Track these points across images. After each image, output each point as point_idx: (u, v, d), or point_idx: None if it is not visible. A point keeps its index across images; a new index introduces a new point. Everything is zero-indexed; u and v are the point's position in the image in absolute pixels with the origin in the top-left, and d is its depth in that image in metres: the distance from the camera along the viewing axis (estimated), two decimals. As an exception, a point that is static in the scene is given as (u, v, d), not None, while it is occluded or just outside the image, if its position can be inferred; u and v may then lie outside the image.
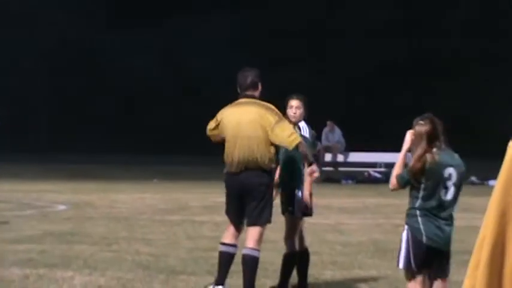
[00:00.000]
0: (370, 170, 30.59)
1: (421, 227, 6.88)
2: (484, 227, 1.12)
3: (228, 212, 8.75)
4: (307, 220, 9.56)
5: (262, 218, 8.56)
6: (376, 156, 31.97)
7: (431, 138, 6.92)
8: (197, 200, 21.12)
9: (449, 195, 6.94)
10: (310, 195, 9.37)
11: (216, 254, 9.18)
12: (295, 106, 9.38)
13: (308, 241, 9.36)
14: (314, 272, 10.23)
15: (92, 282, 9.83)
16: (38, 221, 16.44)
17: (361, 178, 29.83)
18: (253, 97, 8.58)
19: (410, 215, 7.05)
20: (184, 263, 11.00)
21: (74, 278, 10.12)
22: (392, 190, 7.07)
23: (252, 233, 8.60)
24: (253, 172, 8.54)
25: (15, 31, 52.84)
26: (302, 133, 9.23)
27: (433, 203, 6.85)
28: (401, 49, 54.29)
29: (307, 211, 8.94)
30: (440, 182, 6.90)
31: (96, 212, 18.01)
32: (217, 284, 8.72)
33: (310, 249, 9.70)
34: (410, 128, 7.49)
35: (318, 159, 9.26)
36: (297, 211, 8.80)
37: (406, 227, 7.00)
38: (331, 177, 30.03)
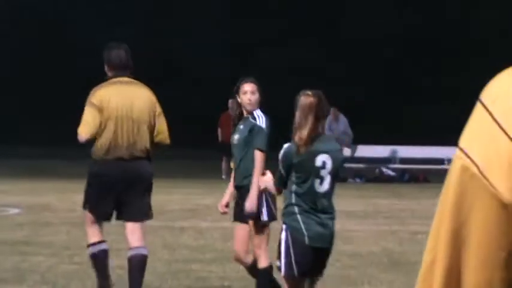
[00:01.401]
0: (383, 166, 30.62)
1: (302, 225, 7.22)
2: (432, 250, 1.09)
3: (96, 207, 9.19)
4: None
5: (149, 213, 9.28)
6: (390, 151, 32.05)
7: (318, 116, 7.38)
8: (176, 202, 21.32)
9: (325, 186, 7.34)
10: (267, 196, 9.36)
11: (199, 267, 9.33)
12: (249, 91, 9.47)
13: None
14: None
15: None
16: None
17: (371, 176, 29.83)
18: (132, 77, 9.33)
19: (288, 213, 7.35)
20: (161, 278, 11.11)
21: None
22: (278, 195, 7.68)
23: (139, 230, 9.20)
24: (144, 161, 9.25)
25: None
26: (257, 123, 9.46)
27: (308, 196, 7.23)
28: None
29: (255, 214, 8.96)
30: (312, 172, 7.29)
31: (55, 217, 18.01)
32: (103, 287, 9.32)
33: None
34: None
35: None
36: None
37: (284, 226, 7.32)
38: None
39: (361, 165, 31.77)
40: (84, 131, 9.11)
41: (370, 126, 40.35)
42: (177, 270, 11.27)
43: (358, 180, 29.99)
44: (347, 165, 32.00)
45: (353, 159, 31.95)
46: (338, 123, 31.54)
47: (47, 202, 20.77)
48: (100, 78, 9.52)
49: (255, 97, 9.51)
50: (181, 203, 21.29)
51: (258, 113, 9.64)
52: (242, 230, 9.35)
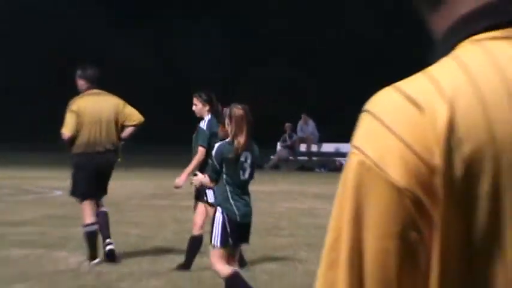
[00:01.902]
0: (341, 159, 31.18)
1: (234, 208, 7.61)
2: (336, 229, 1.01)
3: (87, 193, 9.81)
4: (285, 205, 9.78)
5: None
6: (347, 147, 32.58)
7: (248, 124, 7.67)
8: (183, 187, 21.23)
9: (246, 175, 7.76)
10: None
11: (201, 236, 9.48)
12: (194, 103, 10.25)
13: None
14: (290, 253, 10.36)
15: (85, 261, 10.15)
16: (37, 205, 16.61)
17: (333, 166, 30.18)
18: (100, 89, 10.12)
19: (223, 198, 7.71)
20: (170, 245, 11.15)
21: (69, 258, 10.30)
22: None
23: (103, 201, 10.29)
24: (112, 153, 9.93)
25: None
26: (200, 125, 9.94)
27: (236, 184, 7.64)
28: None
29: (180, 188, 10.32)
30: (238, 165, 7.64)
31: None
32: (94, 258, 9.85)
33: (286, 232, 9.83)
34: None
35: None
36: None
37: (220, 209, 7.65)
38: (305, 166, 30.74)
39: (325, 158, 32.18)
40: (66, 131, 9.63)
41: (335, 126, 40.61)
42: (183, 238, 11.26)
43: (322, 169, 30.47)
44: (314, 158, 32.54)
45: (319, 153, 32.47)
46: (308, 126, 32.13)
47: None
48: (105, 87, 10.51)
49: (196, 107, 10.08)
50: (186, 187, 21.26)
51: (205, 118, 10.04)
52: (200, 207, 9.89)
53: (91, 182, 9.68)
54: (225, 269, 7.73)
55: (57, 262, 10.45)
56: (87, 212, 9.80)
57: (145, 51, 52.36)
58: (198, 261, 9.94)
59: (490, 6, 1.08)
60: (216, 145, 8.05)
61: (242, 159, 7.77)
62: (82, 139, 9.64)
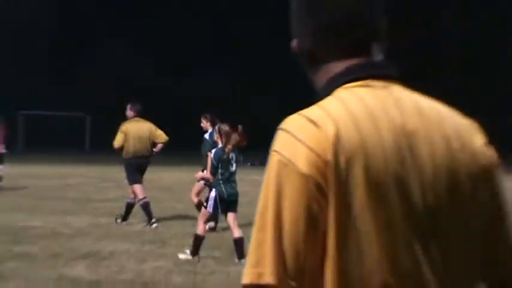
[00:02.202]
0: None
1: (224, 189, 9.67)
2: (264, 204, 1.43)
3: (136, 180, 13.56)
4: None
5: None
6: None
7: (232, 135, 9.84)
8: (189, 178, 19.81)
9: (233, 168, 9.81)
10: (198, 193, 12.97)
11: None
12: (201, 121, 12.99)
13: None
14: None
15: (146, 224, 12.59)
16: (115, 190, 19.43)
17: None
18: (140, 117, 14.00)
19: (216, 183, 9.69)
20: (181, 222, 13.48)
21: (136, 224, 12.96)
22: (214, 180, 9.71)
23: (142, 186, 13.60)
24: (148, 158, 14.10)
25: None
26: (205, 136, 12.75)
27: (227, 174, 9.73)
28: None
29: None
30: (229, 162, 9.72)
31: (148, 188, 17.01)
32: (151, 221, 13.10)
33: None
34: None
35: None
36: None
37: (214, 190, 9.73)
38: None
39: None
40: (115, 144, 13.64)
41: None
42: (190, 216, 13.32)
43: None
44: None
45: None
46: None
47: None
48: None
49: (204, 124, 12.73)
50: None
51: (209, 131, 12.53)
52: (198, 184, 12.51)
53: (137, 174, 13.44)
54: (202, 227, 9.72)
55: (129, 226, 12.78)
56: (138, 191, 13.30)
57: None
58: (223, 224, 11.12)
59: (354, 67, 1.55)
60: (213, 151, 9.94)
61: (230, 157, 9.71)
62: (128, 149, 13.43)
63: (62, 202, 16.84)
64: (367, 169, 1.44)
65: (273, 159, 1.48)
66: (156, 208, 13.58)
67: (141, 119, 13.73)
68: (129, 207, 13.30)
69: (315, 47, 1.63)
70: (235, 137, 9.67)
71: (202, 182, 11.67)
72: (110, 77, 52.59)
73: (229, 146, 9.62)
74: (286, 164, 1.45)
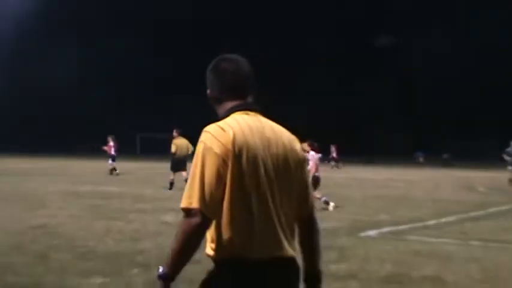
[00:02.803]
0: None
1: None
2: (194, 168, 2.96)
3: (176, 168, 22.77)
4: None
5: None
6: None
7: None
8: None
9: None
10: None
11: None
12: None
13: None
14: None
15: None
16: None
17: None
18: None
19: None
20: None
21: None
22: None
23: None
24: (186, 158, 22.26)
25: None
26: None
27: None
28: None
29: None
30: None
31: None
32: None
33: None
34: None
35: None
36: None
37: None
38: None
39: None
40: (172, 150, 22.85)
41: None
42: None
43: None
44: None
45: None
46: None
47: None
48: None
49: None
50: None
51: None
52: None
53: (178, 166, 22.43)
54: None
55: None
56: (171, 178, 22.42)
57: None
58: None
59: (239, 105, 3.12)
60: None
61: None
62: (178, 153, 22.69)
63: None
64: (248, 153, 2.94)
65: (201, 146, 2.95)
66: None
67: (183, 138, 23.04)
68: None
69: (219, 95, 3.17)
70: None
71: None
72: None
73: None
74: (208, 149, 2.93)
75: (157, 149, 53.70)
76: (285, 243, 2.95)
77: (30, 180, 25.94)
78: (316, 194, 16.00)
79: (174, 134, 22.94)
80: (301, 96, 79.90)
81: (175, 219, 13.39)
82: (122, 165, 34.82)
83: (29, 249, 9.53)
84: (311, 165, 16.21)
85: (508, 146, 28.57)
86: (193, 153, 3.02)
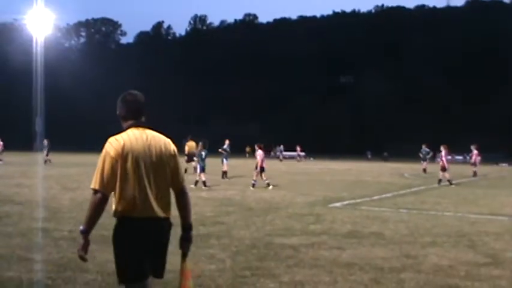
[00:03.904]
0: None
1: (204, 164, 15.06)
2: (100, 163, 3.14)
3: (189, 159, 19.52)
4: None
5: None
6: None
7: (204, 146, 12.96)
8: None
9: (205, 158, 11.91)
10: None
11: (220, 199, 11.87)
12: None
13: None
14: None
15: None
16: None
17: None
18: None
19: (202, 166, 15.10)
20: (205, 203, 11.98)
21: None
22: None
23: None
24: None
25: None
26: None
27: (204, 162, 14.84)
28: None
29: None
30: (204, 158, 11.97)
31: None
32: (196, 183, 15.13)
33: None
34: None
35: None
36: None
37: (198, 165, 13.75)
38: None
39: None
40: (186, 149, 21.12)
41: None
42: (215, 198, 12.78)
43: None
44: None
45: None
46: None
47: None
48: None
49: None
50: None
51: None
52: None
53: (190, 158, 20.57)
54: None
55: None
56: (186, 167, 20.24)
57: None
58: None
59: (133, 123, 3.23)
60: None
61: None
62: (189, 151, 20.97)
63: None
64: (132, 154, 3.13)
65: (104, 151, 3.12)
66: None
67: (192, 141, 21.43)
68: None
69: (124, 115, 3.27)
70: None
71: None
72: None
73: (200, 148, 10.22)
74: (107, 153, 3.12)
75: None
76: (157, 208, 3.12)
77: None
78: (264, 177, 16.15)
79: (188, 138, 21.88)
80: (291, 113, 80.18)
81: (208, 195, 13.36)
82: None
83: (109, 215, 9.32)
84: (258, 159, 16.33)
85: (421, 148, 29.38)
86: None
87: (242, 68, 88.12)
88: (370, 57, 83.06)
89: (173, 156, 3.26)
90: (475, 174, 25.55)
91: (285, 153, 52.19)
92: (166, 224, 3.18)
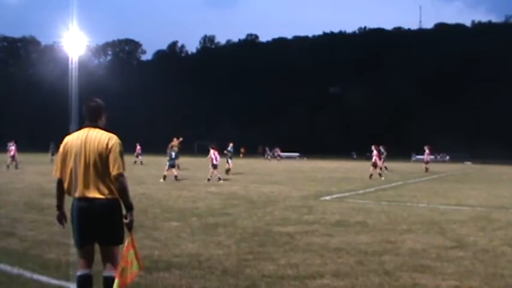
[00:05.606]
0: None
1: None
2: (58, 157, 3.53)
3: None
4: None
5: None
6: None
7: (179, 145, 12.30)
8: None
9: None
10: None
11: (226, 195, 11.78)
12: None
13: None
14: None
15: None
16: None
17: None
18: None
19: (171, 163, 14.50)
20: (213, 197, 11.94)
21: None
22: None
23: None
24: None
25: None
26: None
27: (174, 160, 13.87)
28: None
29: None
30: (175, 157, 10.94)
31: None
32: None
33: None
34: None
35: None
36: None
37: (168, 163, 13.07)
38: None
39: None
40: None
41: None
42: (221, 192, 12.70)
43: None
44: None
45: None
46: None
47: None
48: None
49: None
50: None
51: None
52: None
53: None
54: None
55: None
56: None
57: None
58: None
59: (84, 125, 3.49)
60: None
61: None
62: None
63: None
64: (71, 149, 3.45)
65: (62, 145, 3.53)
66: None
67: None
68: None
69: (84, 117, 3.51)
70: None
71: None
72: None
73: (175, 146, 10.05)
74: (60, 148, 3.49)
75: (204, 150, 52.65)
76: (88, 190, 3.39)
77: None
78: (216, 172, 16.48)
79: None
80: (285, 119, 79.92)
81: (216, 190, 13.27)
82: (184, 160, 32.12)
83: (136, 206, 9.20)
84: (213, 158, 16.64)
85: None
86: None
87: (245, 80, 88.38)
88: (355, 71, 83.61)
89: (106, 149, 3.41)
90: (426, 170, 25.66)
91: (282, 154, 52.40)
92: (100, 203, 3.38)
